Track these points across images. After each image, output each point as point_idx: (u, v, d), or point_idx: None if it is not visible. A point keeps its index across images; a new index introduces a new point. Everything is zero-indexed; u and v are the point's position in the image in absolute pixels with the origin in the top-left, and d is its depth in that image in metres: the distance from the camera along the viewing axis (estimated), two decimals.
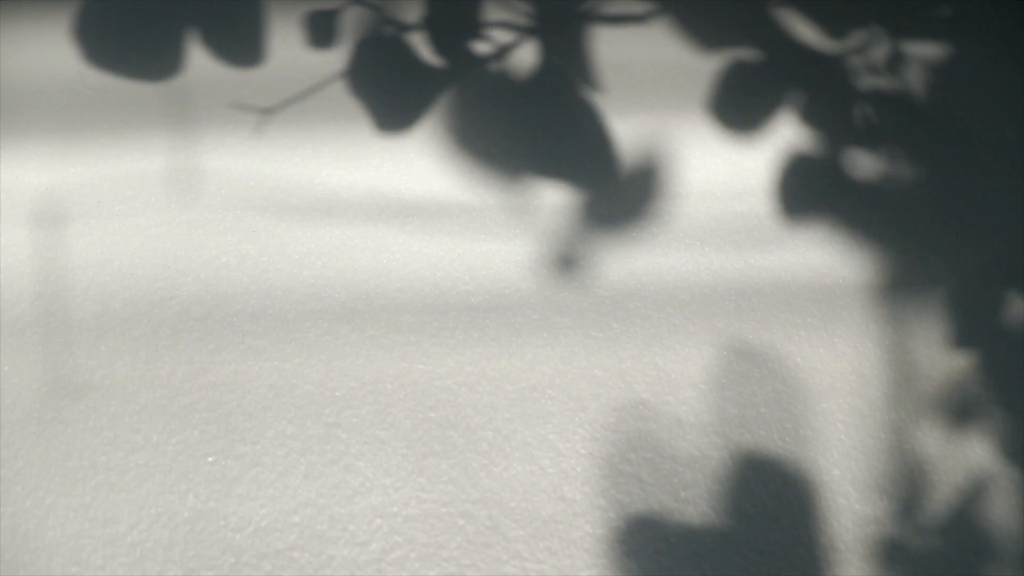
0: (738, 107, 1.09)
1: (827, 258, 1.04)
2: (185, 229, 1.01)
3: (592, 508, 0.93)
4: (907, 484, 0.96)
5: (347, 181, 1.04)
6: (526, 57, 1.09)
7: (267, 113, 1.05)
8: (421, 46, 1.08)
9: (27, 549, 0.89)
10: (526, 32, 1.07)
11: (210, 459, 0.93)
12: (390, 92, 1.06)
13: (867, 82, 1.10)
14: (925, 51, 1.13)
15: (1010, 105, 1.12)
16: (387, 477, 0.93)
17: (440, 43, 1.07)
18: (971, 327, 1.03)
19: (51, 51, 1.08)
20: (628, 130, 1.08)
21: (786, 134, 1.08)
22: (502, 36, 1.08)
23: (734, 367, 0.99)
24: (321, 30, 1.06)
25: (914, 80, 1.12)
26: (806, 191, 1.06)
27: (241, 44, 1.08)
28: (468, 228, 1.03)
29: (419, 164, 1.06)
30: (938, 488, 0.96)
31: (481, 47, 1.08)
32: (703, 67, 1.10)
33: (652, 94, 1.09)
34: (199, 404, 0.94)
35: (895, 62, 1.11)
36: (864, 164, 1.08)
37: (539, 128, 1.07)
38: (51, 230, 1.01)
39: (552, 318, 1.00)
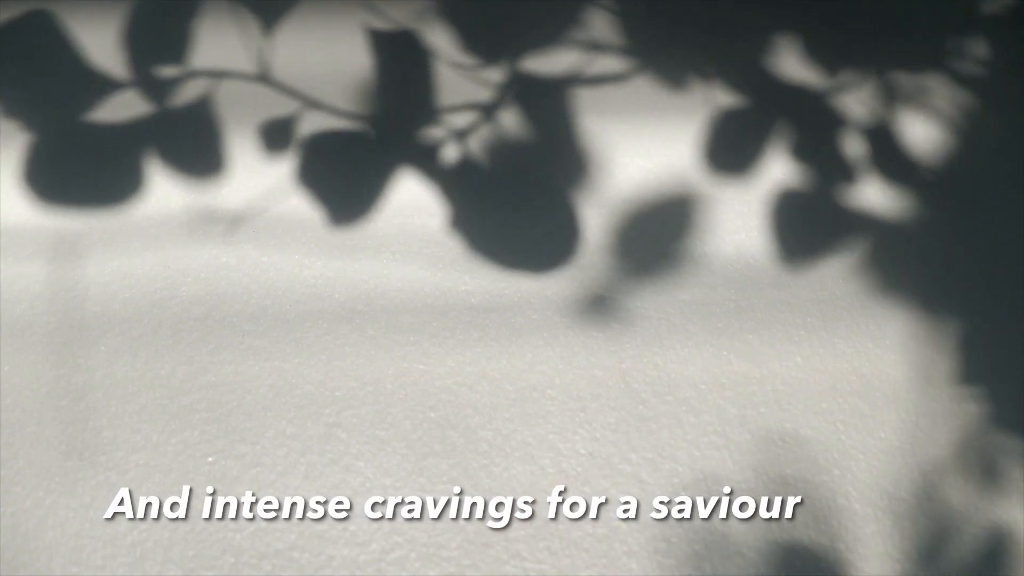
0: (729, 148, 1.08)
1: (824, 279, 1.04)
2: (185, 229, 1.01)
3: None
4: (908, 484, 0.96)
5: (347, 181, 1.04)
6: (505, 126, 1.08)
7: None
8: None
9: (27, 549, 0.89)
10: (497, 106, 1.07)
11: (210, 459, 0.93)
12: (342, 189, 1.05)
13: (857, 117, 1.10)
14: (915, 84, 1.13)
15: (1003, 138, 1.12)
16: (387, 477, 0.93)
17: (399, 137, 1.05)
18: (969, 346, 1.03)
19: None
20: (622, 178, 1.08)
21: (777, 171, 1.08)
22: (463, 118, 1.07)
23: (734, 367, 0.99)
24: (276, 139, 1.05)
25: (904, 114, 1.12)
26: (798, 223, 1.06)
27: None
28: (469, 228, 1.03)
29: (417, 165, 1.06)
30: (939, 488, 0.96)
31: (449, 126, 1.06)
32: (691, 112, 1.10)
33: (642, 144, 1.08)
34: (199, 404, 0.94)
35: (884, 97, 1.11)
36: (855, 198, 1.08)
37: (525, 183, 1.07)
38: (51, 230, 1.00)
39: (552, 318, 1.00)
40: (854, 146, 1.09)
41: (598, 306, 1.01)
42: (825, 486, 0.95)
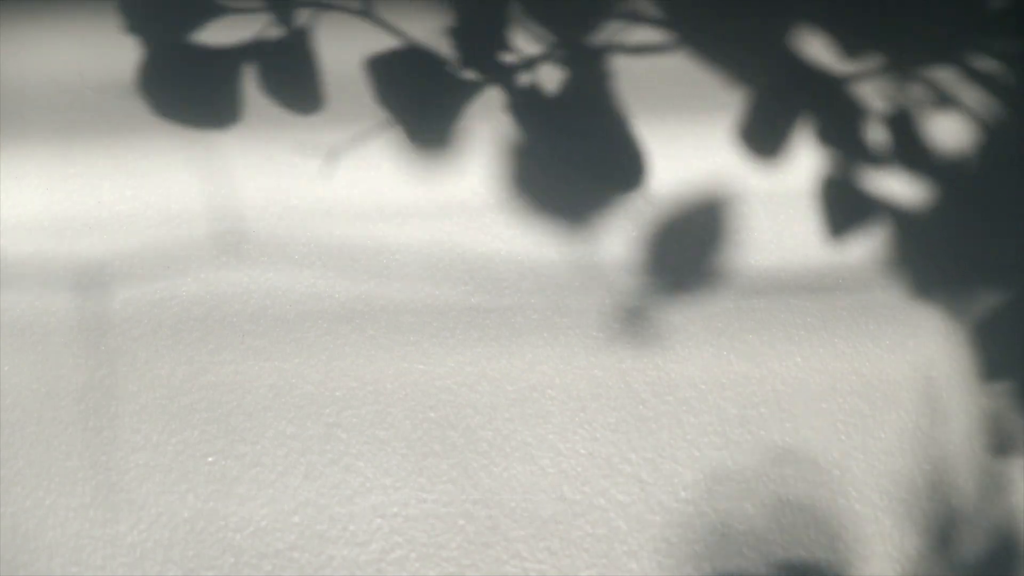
0: (760, 131, 1.08)
1: (825, 278, 1.04)
2: (185, 229, 1.01)
3: (592, 508, 0.93)
4: (908, 484, 0.96)
5: (347, 181, 1.04)
6: (548, 81, 1.09)
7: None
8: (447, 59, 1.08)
9: (27, 549, 0.89)
10: (546, 59, 1.08)
11: (210, 459, 0.93)
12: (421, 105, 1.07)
13: (881, 104, 1.10)
14: (938, 75, 1.13)
15: (1016, 134, 1.12)
16: (387, 477, 0.93)
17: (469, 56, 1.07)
18: (978, 333, 1.03)
19: (52, 52, 1.08)
20: (651, 150, 1.08)
21: (804, 155, 1.08)
22: (526, 53, 1.08)
23: (734, 367, 0.99)
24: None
25: (927, 102, 1.11)
26: (801, 222, 1.06)
27: None
28: (468, 228, 1.03)
29: (416, 163, 1.06)
30: (940, 488, 0.96)
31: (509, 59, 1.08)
32: (725, 93, 1.10)
33: (676, 121, 1.08)
34: (199, 404, 0.94)
35: (908, 84, 1.11)
36: (878, 183, 1.08)
37: (558, 142, 1.07)
38: (50, 231, 1.01)
39: (552, 318, 1.00)
40: (870, 137, 1.09)
41: (598, 306, 1.01)
42: (825, 486, 0.95)
